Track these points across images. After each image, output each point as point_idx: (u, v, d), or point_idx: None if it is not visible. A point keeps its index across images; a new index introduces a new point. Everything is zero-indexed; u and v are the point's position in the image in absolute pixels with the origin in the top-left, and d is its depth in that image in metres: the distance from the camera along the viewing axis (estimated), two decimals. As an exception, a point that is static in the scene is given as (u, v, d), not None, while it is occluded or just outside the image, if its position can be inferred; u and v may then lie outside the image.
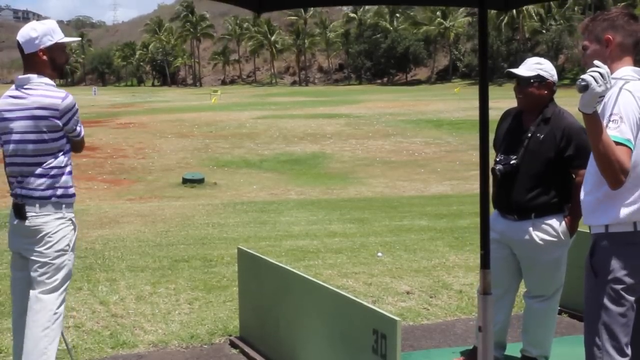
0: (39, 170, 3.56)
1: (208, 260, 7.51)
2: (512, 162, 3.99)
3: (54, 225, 3.56)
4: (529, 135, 4.00)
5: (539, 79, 3.99)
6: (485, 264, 3.07)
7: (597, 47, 2.92)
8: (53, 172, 3.58)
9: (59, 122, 3.53)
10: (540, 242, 3.97)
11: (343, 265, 7.26)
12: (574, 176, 3.96)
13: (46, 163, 3.57)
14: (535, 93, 4.01)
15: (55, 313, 3.59)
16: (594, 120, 2.64)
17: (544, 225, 3.97)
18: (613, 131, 2.70)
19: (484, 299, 3.04)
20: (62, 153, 3.61)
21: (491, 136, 3.70)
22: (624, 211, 2.83)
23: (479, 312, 3.08)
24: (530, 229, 3.99)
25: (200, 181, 20.77)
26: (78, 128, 3.67)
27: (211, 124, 36.82)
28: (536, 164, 3.96)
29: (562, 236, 3.98)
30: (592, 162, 2.86)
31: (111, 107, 55.44)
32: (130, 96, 78.45)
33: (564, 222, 3.98)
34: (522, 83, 4.02)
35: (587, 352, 2.94)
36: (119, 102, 64.05)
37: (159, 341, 4.78)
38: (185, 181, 20.74)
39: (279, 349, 4.17)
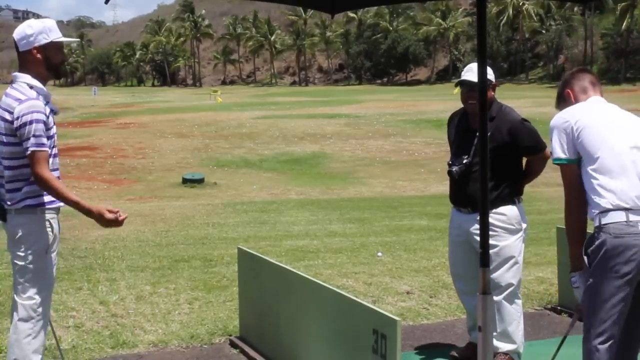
0: (9, 173, 3.41)
1: (208, 260, 7.52)
2: (464, 161, 4.22)
3: (29, 228, 3.40)
4: (477, 134, 4.08)
5: (487, 82, 4.09)
6: (485, 262, 3.07)
7: (566, 103, 3.43)
8: (19, 178, 3.39)
9: (13, 126, 3.33)
10: (492, 230, 4.02)
11: (343, 265, 7.26)
12: (531, 162, 4.25)
13: (16, 167, 3.39)
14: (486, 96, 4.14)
15: (33, 319, 3.42)
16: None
17: (495, 214, 4.08)
18: (553, 156, 3.28)
19: (484, 298, 3.03)
20: (25, 159, 3.38)
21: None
22: (615, 200, 3.00)
23: (477, 312, 3.08)
24: None
25: (200, 181, 20.79)
26: (31, 140, 3.30)
27: (211, 124, 36.84)
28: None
29: (513, 223, 4.14)
30: (585, 180, 3.15)
31: (111, 107, 55.35)
32: (130, 96, 78.40)
33: (514, 209, 4.16)
34: (474, 89, 4.13)
35: (584, 345, 3.08)
36: (119, 102, 64.04)
37: (159, 341, 4.78)
38: (185, 181, 20.76)
39: (279, 349, 4.17)
